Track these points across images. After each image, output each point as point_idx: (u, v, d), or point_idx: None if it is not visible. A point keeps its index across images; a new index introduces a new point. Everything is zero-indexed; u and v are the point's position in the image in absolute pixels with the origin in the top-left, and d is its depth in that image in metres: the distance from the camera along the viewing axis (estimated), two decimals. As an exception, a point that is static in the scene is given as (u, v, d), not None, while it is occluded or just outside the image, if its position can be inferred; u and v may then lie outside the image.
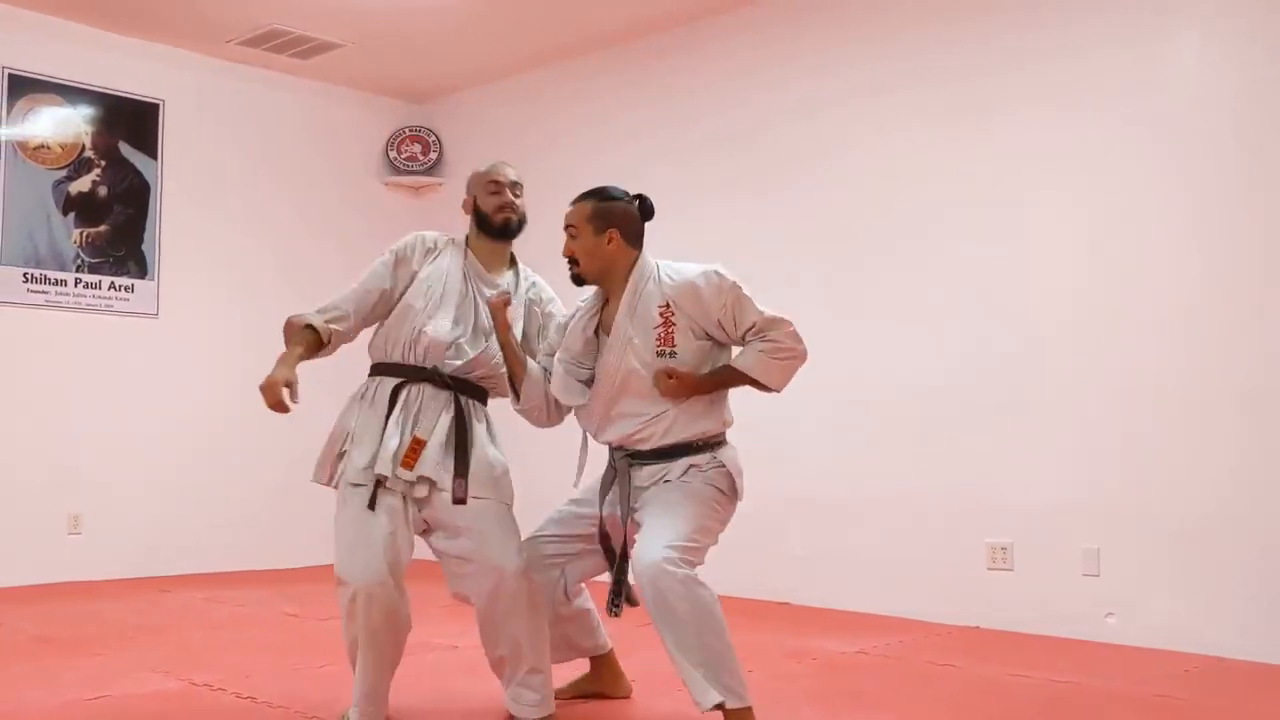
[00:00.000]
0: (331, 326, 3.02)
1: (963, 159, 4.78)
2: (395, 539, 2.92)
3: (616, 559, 2.93)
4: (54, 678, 3.54)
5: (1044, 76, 4.54)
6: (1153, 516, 4.17)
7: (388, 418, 2.96)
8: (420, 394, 3.00)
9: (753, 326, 2.83)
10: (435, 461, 2.94)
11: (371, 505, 2.90)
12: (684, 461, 2.85)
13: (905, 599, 4.78)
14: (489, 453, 3.07)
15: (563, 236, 3.00)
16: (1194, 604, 4.05)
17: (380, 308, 3.10)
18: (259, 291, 6.51)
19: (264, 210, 6.60)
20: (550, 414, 3.08)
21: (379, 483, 2.92)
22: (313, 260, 6.47)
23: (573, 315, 3.03)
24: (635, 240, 2.92)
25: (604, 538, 2.98)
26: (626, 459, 2.90)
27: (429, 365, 3.02)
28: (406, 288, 3.09)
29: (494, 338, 3.06)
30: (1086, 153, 4.42)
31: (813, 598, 5.07)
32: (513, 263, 3.26)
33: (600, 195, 2.94)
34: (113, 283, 6.02)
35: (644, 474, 2.88)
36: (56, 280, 5.84)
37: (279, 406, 2.91)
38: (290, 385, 2.92)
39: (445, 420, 2.99)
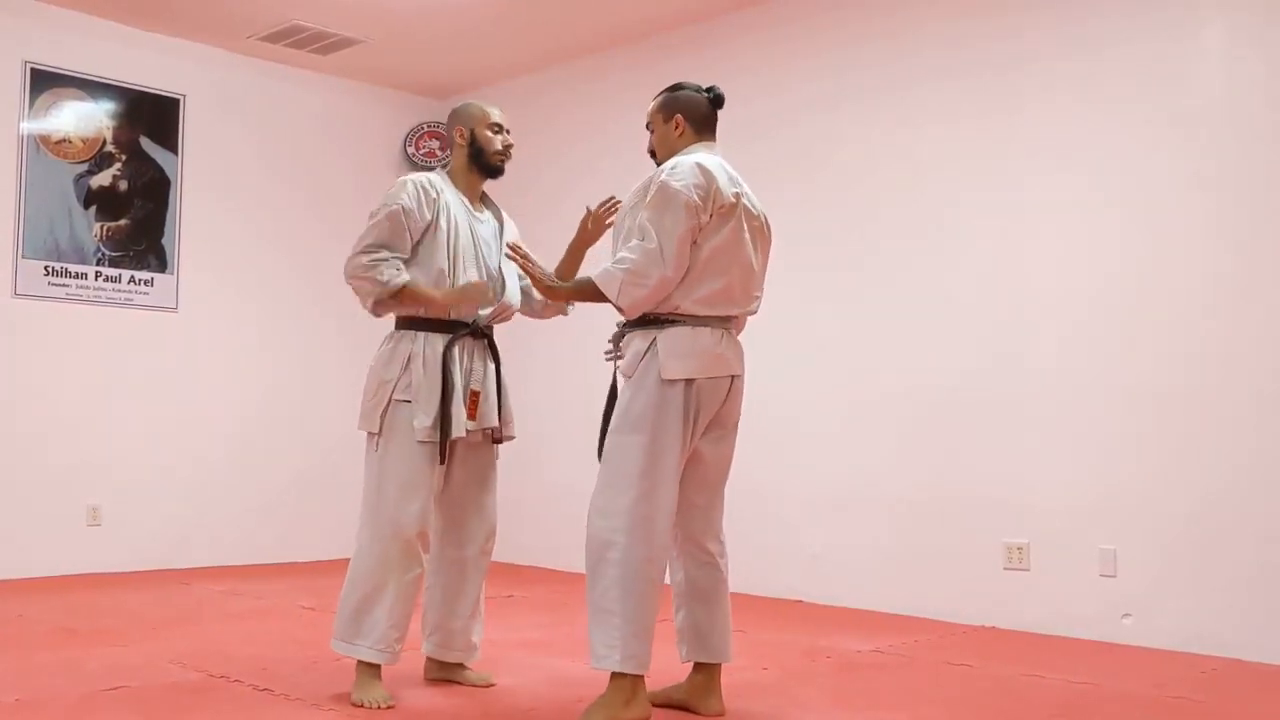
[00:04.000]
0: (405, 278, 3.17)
1: (981, 156, 4.76)
2: (434, 486, 3.20)
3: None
4: (75, 668, 3.57)
5: (1066, 73, 4.52)
6: (1170, 517, 4.15)
7: (445, 378, 3.13)
8: (464, 349, 3.22)
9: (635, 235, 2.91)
10: (491, 410, 3.26)
11: (443, 460, 3.15)
12: (633, 347, 2.94)
13: (921, 598, 4.77)
14: (508, 390, 3.39)
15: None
16: (1212, 606, 4.03)
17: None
18: (278, 286, 6.55)
19: (283, 205, 6.63)
20: None
21: (448, 440, 3.13)
22: (331, 255, 6.46)
23: None
24: (702, 127, 3.08)
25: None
26: (621, 331, 3.05)
27: (469, 320, 3.24)
28: (421, 237, 3.20)
29: (507, 282, 3.32)
30: (1108, 150, 4.40)
31: (828, 596, 5.07)
32: (484, 197, 3.43)
33: (671, 89, 3.13)
34: (133, 276, 6.06)
35: (624, 344, 3.02)
36: (77, 274, 5.88)
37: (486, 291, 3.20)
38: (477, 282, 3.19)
39: (491, 370, 3.29)
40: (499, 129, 3.33)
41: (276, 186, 6.61)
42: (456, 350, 3.18)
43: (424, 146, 7.06)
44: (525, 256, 3.20)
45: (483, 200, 3.41)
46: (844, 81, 5.25)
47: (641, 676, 2.86)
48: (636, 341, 2.94)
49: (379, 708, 3.04)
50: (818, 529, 5.16)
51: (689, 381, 2.88)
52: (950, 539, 4.72)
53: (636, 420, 2.88)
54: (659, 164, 3.07)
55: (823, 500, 5.15)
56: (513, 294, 3.34)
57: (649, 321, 2.94)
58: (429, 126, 7.10)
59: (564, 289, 3.12)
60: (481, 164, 3.33)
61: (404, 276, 3.13)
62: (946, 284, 4.83)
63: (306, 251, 6.57)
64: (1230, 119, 4.12)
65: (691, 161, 2.92)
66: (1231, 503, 4.02)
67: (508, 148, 3.35)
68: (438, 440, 3.11)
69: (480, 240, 3.28)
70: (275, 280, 6.55)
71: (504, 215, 3.46)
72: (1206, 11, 4.22)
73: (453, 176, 3.36)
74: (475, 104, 3.40)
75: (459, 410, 3.14)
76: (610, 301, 2.92)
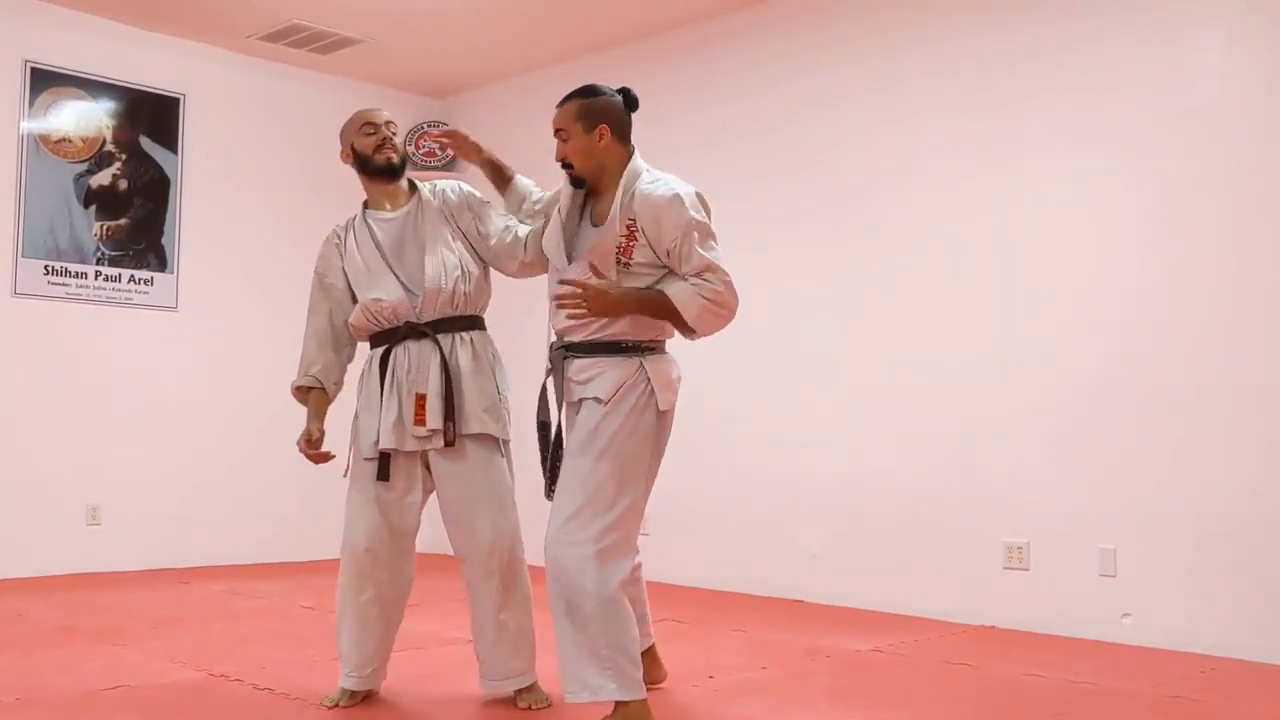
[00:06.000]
0: (313, 375, 3.23)
1: (981, 154, 4.75)
2: (390, 502, 3.10)
3: (551, 445, 3.02)
4: (75, 666, 3.57)
5: (1066, 67, 4.50)
6: (1170, 517, 4.15)
7: (381, 389, 3.10)
8: (407, 352, 3.11)
9: (693, 269, 2.81)
10: (436, 410, 3.06)
11: (385, 477, 3.08)
12: (615, 372, 2.84)
13: (921, 597, 4.77)
14: (479, 384, 3.13)
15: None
16: (1211, 605, 4.04)
17: (338, 322, 3.27)
18: (278, 285, 6.54)
19: (283, 204, 6.63)
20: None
21: (386, 455, 3.08)
22: (331, 255, 6.50)
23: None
24: (625, 136, 2.93)
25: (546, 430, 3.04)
26: (561, 351, 2.95)
27: (402, 323, 3.12)
28: (347, 284, 3.24)
29: (427, 270, 3.11)
30: (1109, 147, 4.39)
31: (828, 595, 5.07)
32: (413, 190, 3.28)
33: (585, 93, 2.96)
34: (133, 276, 6.06)
35: (576, 366, 2.91)
36: (77, 273, 5.88)
37: (320, 458, 3.16)
38: (313, 439, 3.19)
39: (435, 365, 3.09)
40: (372, 128, 3.18)
41: (276, 186, 6.61)
42: (393, 359, 3.10)
43: (424, 146, 7.05)
44: (581, 285, 2.88)
45: (411, 190, 3.26)
46: (847, 74, 5.23)
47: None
48: (617, 369, 2.85)
49: (329, 706, 3.09)
50: (818, 529, 5.16)
51: (668, 411, 2.91)
52: (950, 539, 4.72)
53: (636, 451, 2.84)
54: (579, 175, 2.93)
55: (823, 500, 5.15)
56: (433, 279, 3.09)
57: (628, 348, 2.86)
58: (429, 126, 7.10)
59: (618, 297, 2.83)
60: (372, 170, 3.20)
61: (300, 381, 3.26)
62: (946, 283, 4.83)
63: (307, 251, 6.52)
64: (1230, 116, 4.12)
65: (681, 185, 2.86)
66: (1232, 502, 4.02)
67: (385, 140, 3.17)
68: (376, 456, 3.10)
69: (384, 247, 3.17)
70: (275, 279, 6.54)
71: (429, 191, 3.26)
72: (1208, 9, 4.21)
73: (366, 204, 3.27)
74: (352, 116, 3.26)
75: (386, 423, 3.05)
76: (688, 329, 2.86)
